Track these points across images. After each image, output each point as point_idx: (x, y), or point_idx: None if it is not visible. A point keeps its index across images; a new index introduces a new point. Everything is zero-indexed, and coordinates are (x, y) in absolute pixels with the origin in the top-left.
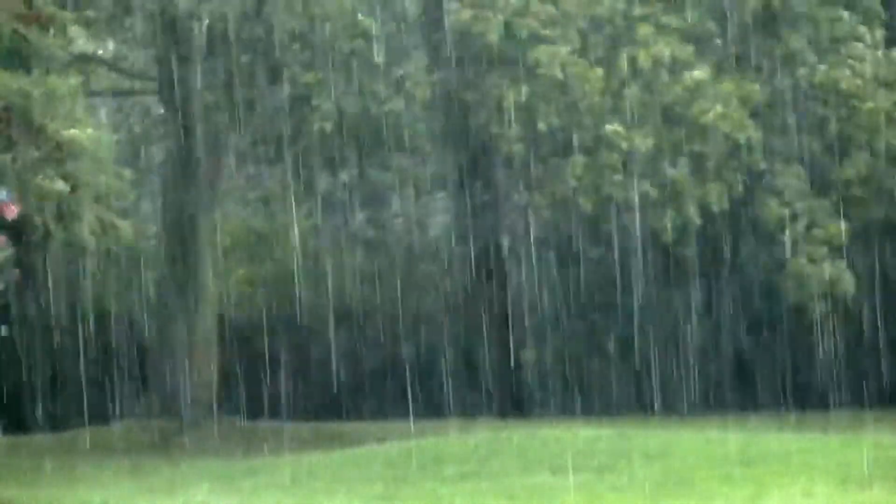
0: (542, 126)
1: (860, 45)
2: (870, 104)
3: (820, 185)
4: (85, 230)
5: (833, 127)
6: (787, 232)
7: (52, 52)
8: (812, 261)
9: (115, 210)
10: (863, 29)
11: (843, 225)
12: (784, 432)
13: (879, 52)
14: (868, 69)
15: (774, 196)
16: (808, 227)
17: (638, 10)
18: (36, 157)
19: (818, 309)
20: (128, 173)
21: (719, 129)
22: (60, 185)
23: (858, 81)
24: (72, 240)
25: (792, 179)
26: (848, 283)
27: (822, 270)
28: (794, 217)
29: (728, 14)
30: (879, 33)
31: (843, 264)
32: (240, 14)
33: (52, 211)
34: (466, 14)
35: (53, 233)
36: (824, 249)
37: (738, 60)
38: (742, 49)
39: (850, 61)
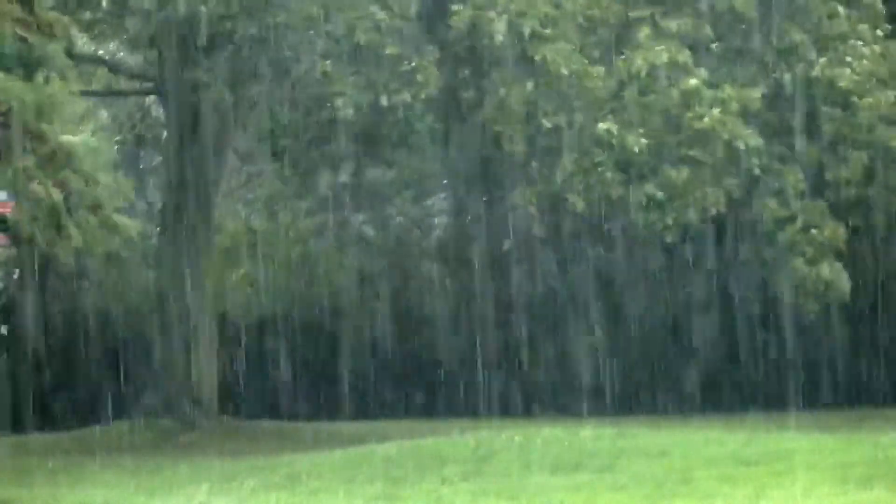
0: (545, 123)
1: (859, 42)
2: (868, 99)
3: (817, 186)
4: (74, 240)
5: (830, 126)
6: (785, 233)
7: (53, 58)
8: (809, 262)
9: (117, 209)
10: (864, 27)
11: (841, 228)
12: (784, 432)
13: (877, 48)
14: (867, 66)
15: (773, 196)
16: (805, 229)
17: (635, 13)
18: (32, 164)
19: (813, 310)
20: (128, 180)
21: (717, 133)
22: (55, 195)
23: (857, 78)
24: (60, 251)
25: (789, 179)
26: (844, 285)
27: (818, 272)
28: (793, 218)
29: (724, 13)
30: (880, 31)
31: (839, 266)
32: (242, 11)
33: (44, 219)
34: (469, 13)
35: (41, 243)
36: (821, 251)
37: (735, 61)
38: (740, 47)
39: (848, 59)
